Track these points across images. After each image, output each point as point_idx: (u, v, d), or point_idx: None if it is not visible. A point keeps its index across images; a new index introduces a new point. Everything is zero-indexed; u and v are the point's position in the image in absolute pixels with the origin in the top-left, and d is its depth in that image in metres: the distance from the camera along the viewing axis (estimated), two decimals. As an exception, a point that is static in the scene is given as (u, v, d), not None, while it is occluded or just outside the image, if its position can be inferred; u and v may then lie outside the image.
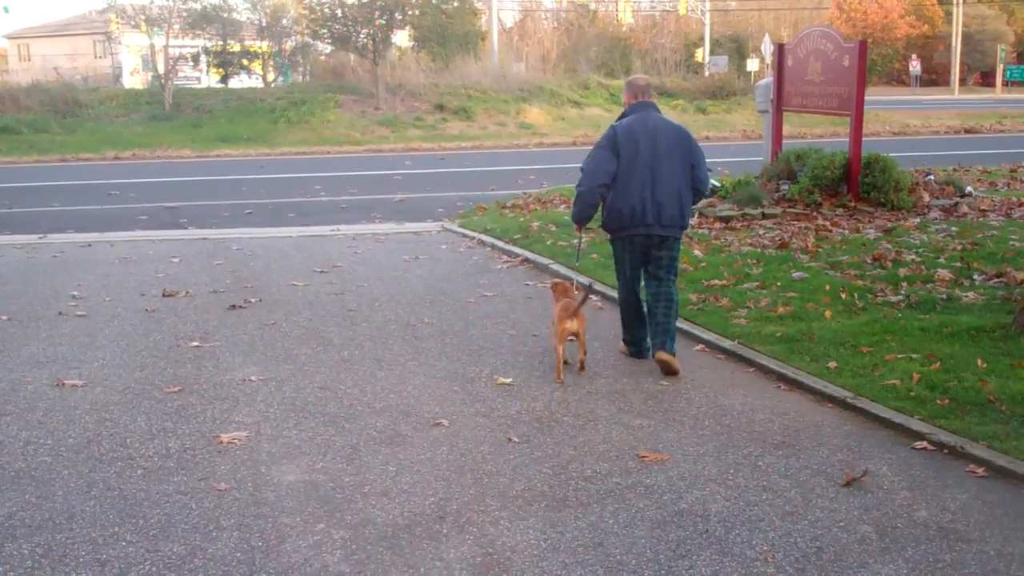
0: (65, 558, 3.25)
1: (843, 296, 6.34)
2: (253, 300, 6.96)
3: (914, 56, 49.02)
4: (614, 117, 5.53)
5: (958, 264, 7.16)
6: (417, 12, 28.47)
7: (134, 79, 33.74)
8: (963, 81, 48.97)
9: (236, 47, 28.94)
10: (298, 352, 5.64)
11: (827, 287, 6.56)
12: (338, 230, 10.17)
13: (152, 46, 27.38)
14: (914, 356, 5.11)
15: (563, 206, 10.46)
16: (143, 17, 26.97)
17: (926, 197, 9.78)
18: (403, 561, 3.22)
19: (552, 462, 4.01)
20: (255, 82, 29.74)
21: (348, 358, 5.52)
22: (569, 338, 5.16)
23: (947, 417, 4.33)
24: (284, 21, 29.74)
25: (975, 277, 6.79)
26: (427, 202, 12.49)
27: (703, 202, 9.91)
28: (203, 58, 29.06)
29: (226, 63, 28.79)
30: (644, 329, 5.41)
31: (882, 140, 20.42)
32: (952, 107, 32.94)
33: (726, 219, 9.29)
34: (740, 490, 3.74)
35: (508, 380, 5.07)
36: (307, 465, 3.99)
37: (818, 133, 21.66)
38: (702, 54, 35.73)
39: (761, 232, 8.69)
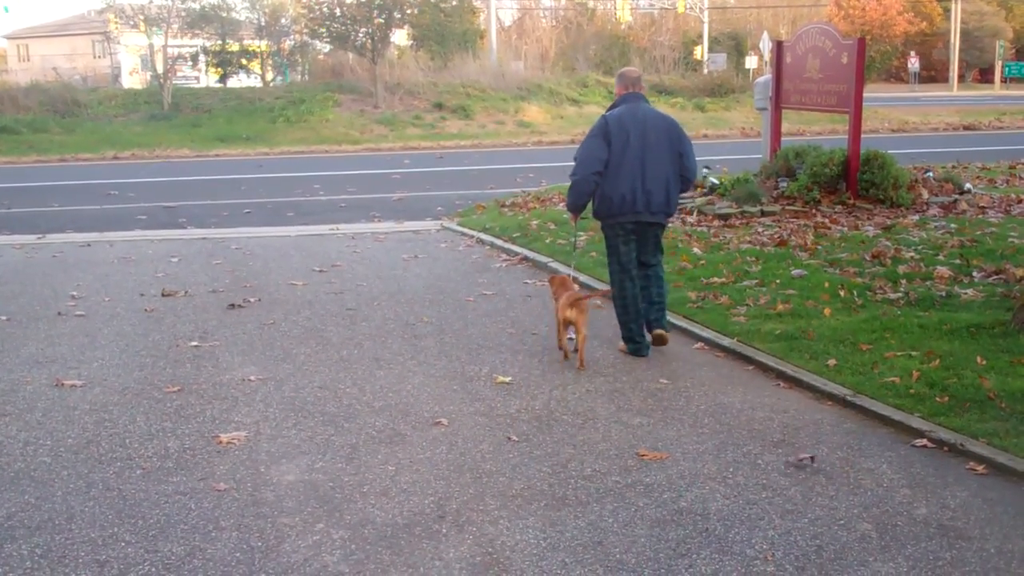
0: (64, 559, 3.24)
1: (842, 293, 6.33)
2: (252, 299, 6.96)
3: (913, 53, 48.96)
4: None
5: (957, 261, 7.16)
6: (416, 11, 28.44)
7: (133, 79, 33.71)
8: (962, 78, 48.95)
9: (235, 46, 28.89)
10: (297, 351, 5.64)
11: (826, 284, 6.56)
12: (337, 229, 10.17)
13: (151, 46, 27.36)
14: (913, 353, 5.11)
15: (562, 204, 10.45)
16: (142, 17, 26.94)
17: (925, 194, 9.78)
18: (402, 561, 3.22)
19: (551, 461, 4.01)
20: (254, 81, 29.71)
21: (347, 357, 5.52)
22: (570, 337, 5.17)
23: (947, 414, 4.33)
24: (283, 20, 29.70)
25: (974, 274, 6.79)
26: (426, 201, 12.49)
27: (702, 199, 9.92)
28: (202, 58, 29.01)
29: (225, 62, 28.75)
30: (642, 324, 5.46)
31: (881, 137, 20.41)
32: (951, 104, 32.92)
33: (725, 217, 9.29)
34: (740, 488, 3.73)
35: (507, 379, 5.06)
36: (306, 465, 3.99)
37: (817, 130, 21.65)
38: (701, 52, 35.70)
39: (760, 230, 8.68)
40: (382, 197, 12.93)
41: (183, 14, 26.96)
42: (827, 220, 8.89)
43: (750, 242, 8.16)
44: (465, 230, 9.78)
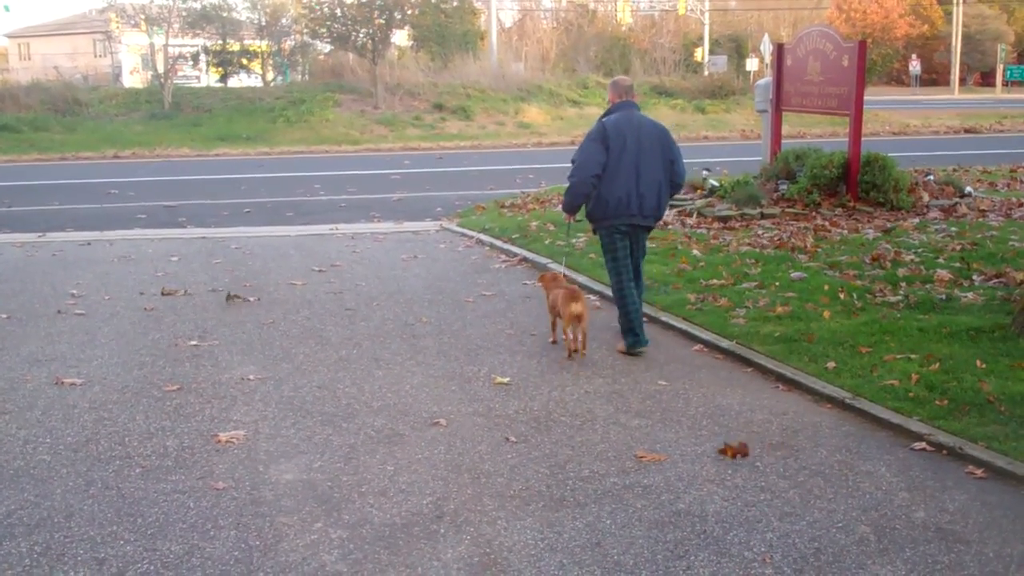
0: (63, 556, 3.24)
1: (842, 296, 6.33)
2: (251, 299, 6.96)
3: (914, 56, 49.01)
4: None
5: (957, 264, 7.16)
6: (416, 12, 28.45)
7: (134, 78, 33.71)
8: (963, 81, 48.96)
9: (235, 46, 28.91)
10: (296, 351, 5.64)
11: (826, 287, 6.56)
12: (337, 229, 10.17)
13: (152, 45, 27.35)
14: (913, 357, 5.11)
15: (561, 206, 10.45)
16: (143, 16, 26.95)
17: (925, 197, 9.78)
18: (400, 560, 3.22)
19: (550, 462, 4.01)
20: (254, 81, 29.72)
21: (346, 357, 5.52)
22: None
23: (946, 418, 4.33)
24: (283, 20, 29.72)
25: (974, 277, 6.79)
26: (425, 201, 12.49)
27: (702, 202, 9.93)
28: (202, 57, 29.03)
29: (225, 62, 28.77)
30: (641, 316, 5.64)
31: (882, 140, 20.41)
32: (952, 107, 32.94)
33: (725, 219, 9.29)
34: (738, 490, 3.73)
35: (506, 380, 5.06)
36: (305, 464, 3.99)
37: (817, 133, 21.65)
38: (701, 54, 35.72)
39: (760, 232, 8.68)
40: (382, 197, 12.94)
41: (184, 14, 26.98)
42: (827, 223, 8.90)
43: (750, 244, 8.17)
44: (464, 231, 9.79)
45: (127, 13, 27.95)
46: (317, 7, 26.94)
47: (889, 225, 8.78)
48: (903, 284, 6.63)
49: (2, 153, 19.75)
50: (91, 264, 8.36)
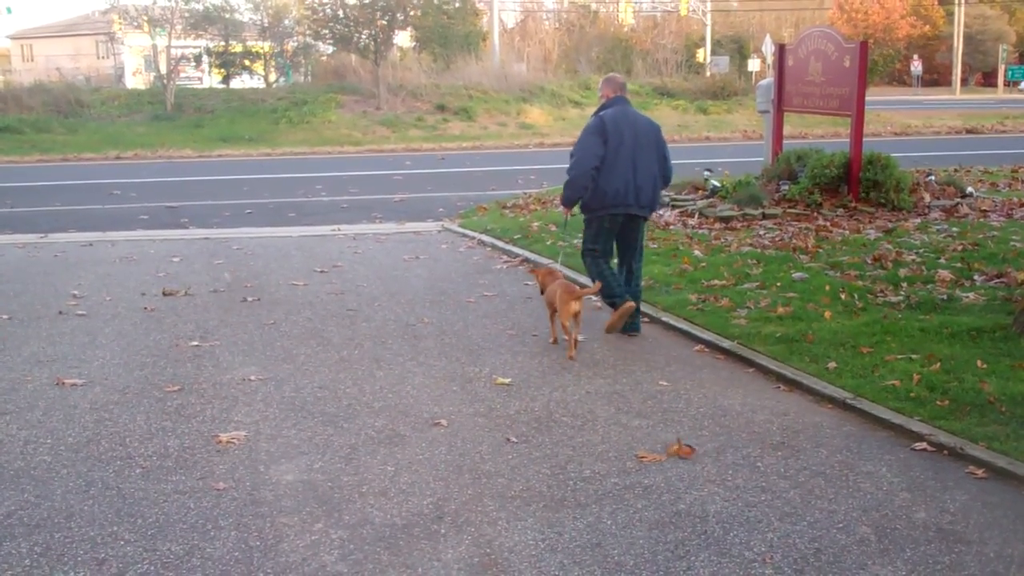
0: (63, 557, 3.25)
1: (843, 296, 6.33)
2: (252, 299, 6.96)
3: (915, 56, 48.99)
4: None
5: (959, 265, 7.16)
6: (418, 13, 28.47)
7: (136, 79, 33.78)
8: (965, 81, 48.92)
9: (238, 48, 28.95)
10: (297, 352, 5.64)
11: (827, 287, 6.56)
12: (339, 230, 10.18)
13: (154, 46, 27.39)
14: (914, 357, 5.11)
15: (559, 199, 10.46)
16: (146, 18, 26.99)
17: (927, 197, 9.78)
18: (401, 561, 3.22)
19: (550, 462, 4.01)
20: (257, 82, 29.76)
21: (347, 358, 5.52)
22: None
23: (947, 418, 4.32)
24: (286, 22, 29.76)
25: (975, 278, 6.79)
26: (427, 202, 12.49)
27: (703, 202, 9.93)
28: (205, 58, 29.09)
29: (228, 63, 28.81)
30: (621, 283, 5.86)
31: (883, 140, 20.40)
32: (953, 107, 32.92)
33: (726, 219, 9.29)
34: (739, 491, 3.73)
35: (507, 380, 5.07)
36: (305, 465, 3.99)
37: (819, 133, 21.64)
38: (703, 54, 35.72)
39: (761, 232, 8.68)
40: (384, 198, 12.94)
41: (187, 15, 27.03)
42: (828, 223, 8.89)
43: (751, 245, 8.16)
44: (466, 231, 9.79)
45: (130, 14, 28.00)
46: (319, 8, 26.97)
47: (890, 225, 8.77)
48: (904, 284, 6.63)
49: (4, 154, 19.78)
50: (93, 265, 8.37)
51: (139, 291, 7.30)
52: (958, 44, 46.10)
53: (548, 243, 8.72)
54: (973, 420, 4.28)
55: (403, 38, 28.48)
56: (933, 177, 10.55)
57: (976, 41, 49.59)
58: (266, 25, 29.25)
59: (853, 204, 9.38)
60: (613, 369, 5.29)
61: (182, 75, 28.89)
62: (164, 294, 7.13)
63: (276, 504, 3.63)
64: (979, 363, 4.95)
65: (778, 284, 6.76)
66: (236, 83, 29.22)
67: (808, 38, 10.10)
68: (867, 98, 9.59)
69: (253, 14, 29.39)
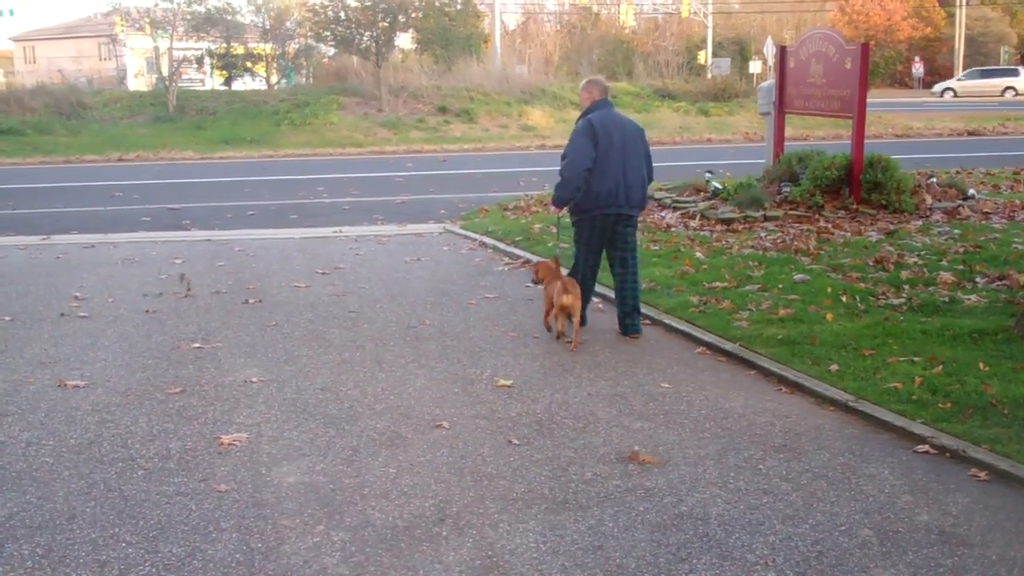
0: (65, 559, 3.25)
1: (844, 299, 6.33)
2: (254, 301, 6.97)
3: (917, 58, 48.95)
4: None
5: (960, 267, 7.15)
6: (420, 15, 28.50)
7: (138, 81, 33.81)
8: (966, 84, 48.81)
9: (240, 49, 28.97)
10: (299, 353, 5.64)
11: (829, 289, 6.55)
12: (340, 232, 10.18)
13: (156, 48, 27.44)
14: (916, 359, 5.11)
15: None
16: (148, 20, 27.03)
17: (928, 200, 9.77)
18: (402, 563, 3.22)
19: (552, 464, 4.00)
20: (258, 84, 29.79)
21: (349, 359, 5.52)
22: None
23: (949, 421, 4.32)
24: (288, 24, 29.79)
25: (977, 280, 6.78)
26: (429, 204, 12.50)
27: (705, 204, 9.93)
28: (207, 60, 29.11)
29: (230, 65, 28.83)
30: (587, 305, 6.07)
31: (885, 142, 20.38)
32: (955, 109, 32.89)
33: (728, 221, 9.28)
34: (741, 493, 3.73)
35: (509, 382, 5.06)
36: (307, 467, 3.99)
37: (820, 135, 21.62)
38: (704, 56, 35.72)
39: (763, 234, 8.68)
40: (385, 200, 12.95)
41: (188, 17, 27.06)
42: (830, 225, 8.89)
43: (753, 247, 8.16)
44: (468, 233, 9.79)
45: (132, 16, 28.04)
46: (321, 10, 26.99)
47: (892, 227, 8.77)
48: (906, 287, 6.62)
49: (7, 156, 19.81)
50: (95, 267, 8.38)
51: (141, 293, 7.30)
52: (959, 46, 46.09)
53: (549, 244, 8.71)
54: (975, 423, 4.28)
55: (405, 40, 28.56)
56: (935, 179, 10.54)
57: (977, 43, 49.57)
58: (268, 27, 29.28)
59: (855, 206, 9.38)
60: (615, 371, 5.29)
61: (184, 77, 28.94)
62: (166, 296, 7.13)
63: (277, 506, 3.63)
64: (981, 365, 4.94)
65: (780, 286, 6.75)
66: (238, 85, 29.25)
67: (809, 40, 10.10)
68: (868, 100, 9.58)
69: (255, 16, 29.44)
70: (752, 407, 4.70)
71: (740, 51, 35.88)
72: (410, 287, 7.46)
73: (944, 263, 7.32)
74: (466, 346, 5.77)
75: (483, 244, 9.28)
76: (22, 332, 6.19)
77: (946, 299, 6.25)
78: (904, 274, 6.96)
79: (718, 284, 6.90)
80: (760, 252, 7.91)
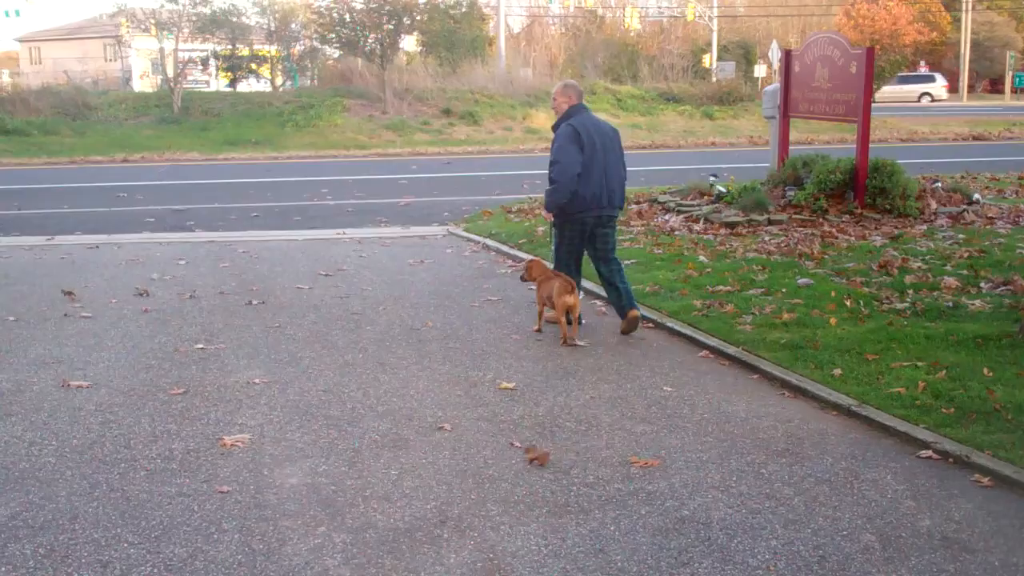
0: (67, 559, 3.25)
1: (848, 303, 6.32)
2: (257, 303, 6.97)
3: (923, 63, 48.89)
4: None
5: (965, 272, 7.14)
6: (425, 17, 28.53)
7: (144, 82, 33.93)
8: (972, 88, 48.84)
9: (245, 51, 29.04)
10: (302, 355, 5.65)
11: (832, 294, 6.55)
12: (344, 234, 10.19)
13: (162, 50, 27.50)
14: (919, 364, 5.09)
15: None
16: (153, 21, 27.09)
17: (933, 204, 9.75)
18: (403, 565, 3.22)
19: (554, 467, 4.00)
20: (263, 86, 29.87)
21: (352, 361, 5.52)
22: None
23: (952, 426, 4.31)
24: (293, 26, 29.85)
25: (982, 285, 6.77)
26: (433, 206, 12.51)
27: (709, 207, 9.93)
28: (212, 62, 29.20)
29: (235, 67, 28.91)
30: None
31: (890, 147, 20.36)
32: (961, 114, 32.85)
33: (732, 225, 9.28)
34: (743, 497, 3.72)
35: (511, 385, 5.06)
36: (309, 468, 4.00)
37: (825, 139, 21.61)
38: (709, 60, 35.70)
39: (767, 238, 8.67)
40: (389, 202, 12.96)
41: (194, 18, 27.12)
42: (834, 229, 8.87)
43: (756, 250, 8.15)
44: (471, 236, 9.80)
45: (137, 18, 28.10)
46: (326, 12, 27.05)
47: (896, 232, 8.75)
48: (910, 291, 6.61)
49: (12, 156, 19.87)
50: (99, 267, 8.40)
51: (141, 293, 7.31)
52: (965, 51, 46.03)
53: (552, 247, 8.71)
54: (979, 428, 4.26)
55: (409, 42, 28.57)
56: (939, 184, 10.53)
57: (983, 48, 49.50)
58: (273, 29, 29.35)
59: (859, 210, 9.37)
60: (617, 374, 5.28)
61: (189, 78, 29.01)
62: (169, 297, 7.14)
63: (280, 507, 3.64)
64: (985, 371, 4.93)
65: (783, 290, 6.75)
66: (243, 86, 29.32)
67: (814, 44, 10.09)
68: (873, 104, 9.57)
69: (260, 18, 29.50)
70: (755, 411, 4.69)
71: (745, 55, 35.87)
72: (413, 289, 7.47)
73: (948, 268, 7.31)
74: (469, 348, 5.78)
75: (486, 247, 9.28)
76: (26, 332, 6.20)
77: (950, 304, 6.24)
78: (908, 279, 6.95)
79: (721, 288, 6.90)
80: (764, 256, 7.91)
